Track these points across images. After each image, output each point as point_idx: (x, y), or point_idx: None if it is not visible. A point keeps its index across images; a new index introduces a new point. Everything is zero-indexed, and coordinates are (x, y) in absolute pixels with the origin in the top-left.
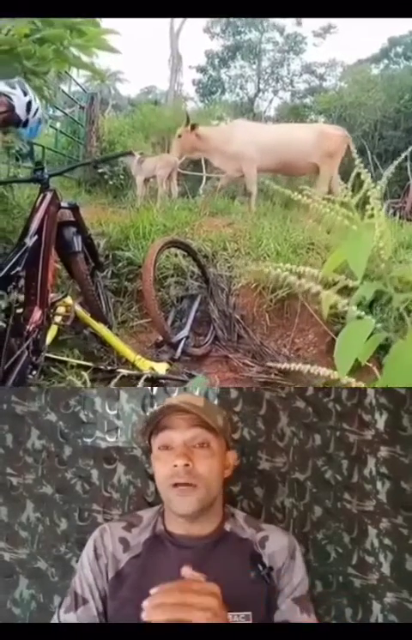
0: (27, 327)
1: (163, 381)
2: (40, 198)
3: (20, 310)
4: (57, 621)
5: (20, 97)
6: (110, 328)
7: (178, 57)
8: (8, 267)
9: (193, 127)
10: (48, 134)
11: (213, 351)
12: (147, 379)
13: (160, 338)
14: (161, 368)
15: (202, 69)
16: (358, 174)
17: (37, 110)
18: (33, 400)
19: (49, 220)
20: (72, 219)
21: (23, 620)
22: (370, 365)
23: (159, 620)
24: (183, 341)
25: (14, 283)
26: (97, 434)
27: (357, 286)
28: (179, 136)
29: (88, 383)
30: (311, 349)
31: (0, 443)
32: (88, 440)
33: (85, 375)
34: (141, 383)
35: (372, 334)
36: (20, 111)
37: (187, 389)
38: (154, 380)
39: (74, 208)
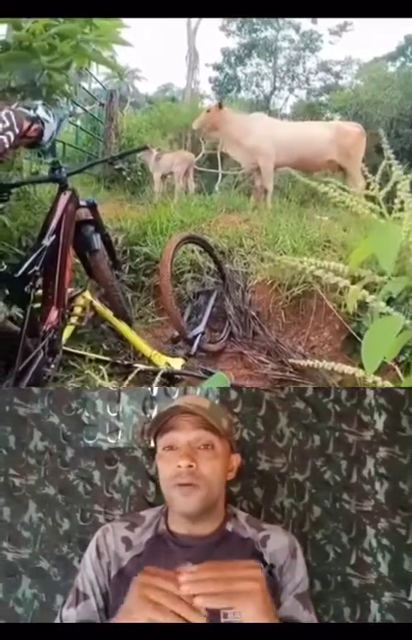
0: (44, 327)
1: (179, 377)
2: (59, 198)
3: (37, 307)
4: (59, 618)
5: (51, 125)
6: (131, 325)
7: (195, 55)
8: (25, 266)
9: (220, 106)
10: (68, 131)
11: (228, 347)
12: (163, 375)
13: (177, 333)
14: (177, 364)
15: (218, 67)
16: (385, 168)
17: (53, 137)
18: (35, 402)
19: (67, 220)
20: (90, 217)
21: (26, 619)
22: (391, 363)
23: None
24: (199, 337)
25: (31, 283)
26: (99, 436)
27: (383, 281)
28: (207, 111)
29: (106, 378)
30: (326, 347)
31: (3, 444)
32: (90, 442)
33: (103, 369)
34: (157, 379)
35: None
36: (45, 138)
37: (206, 385)
38: (170, 376)
39: (92, 207)
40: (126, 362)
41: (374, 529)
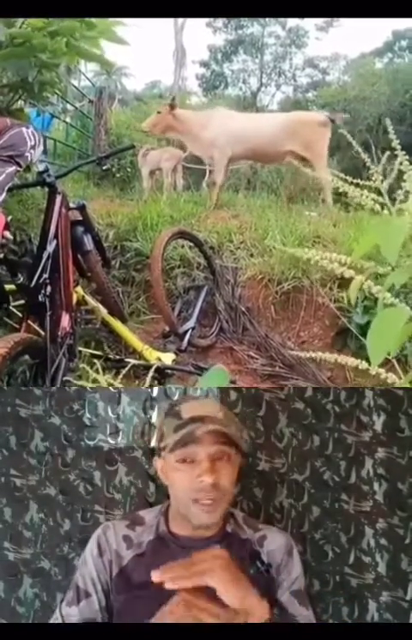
0: (58, 333)
1: (170, 371)
2: (52, 202)
3: (49, 314)
4: (58, 615)
5: (39, 148)
6: (125, 322)
7: (182, 52)
8: (36, 276)
9: (172, 107)
10: (58, 128)
11: (218, 342)
12: (156, 370)
13: (168, 328)
14: (168, 358)
15: (204, 64)
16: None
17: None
18: (36, 403)
19: (64, 223)
20: (80, 218)
21: (27, 619)
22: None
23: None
24: (189, 332)
25: (43, 291)
26: (99, 436)
27: (386, 272)
28: (158, 112)
29: (100, 372)
30: (316, 342)
31: (4, 445)
32: (91, 442)
33: (98, 363)
34: (151, 374)
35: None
36: (34, 159)
37: (205, 379)
38: (161, 370)
39: (81, 208)
40: (118, 357)
41: (372, 529)
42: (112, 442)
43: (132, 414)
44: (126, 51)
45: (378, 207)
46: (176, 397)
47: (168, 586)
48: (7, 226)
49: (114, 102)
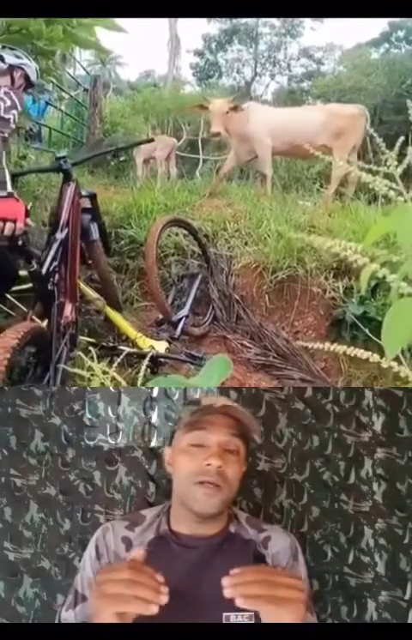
0: (61, 322)
1: (163, 360)
2: (66, 189)
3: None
4: (58, 620)
5: (29, 65)
6: (119, 311)
7: (177, 41)
8: (47, 263)
9: (236, 108)
10: (53, 116)
11: (211, 331)
12: (150, 358)
13: (161, 316)
14: (161, 347)
15: (199, 53)
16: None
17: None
18: (37, 403)
19: (75, 211)
20: (89, 206)
21: (27, 619)
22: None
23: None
24: (183, 320)
25: (51, 279)
26: (99, 436)
27: (400, 261)
28: (226, 112)
29: (96, 360)
30: (310, 332)
31: (4, 445)
32: (91, 442)
33: (93, 351)
34: (146, 362)
35: None
36: (33, 77)
37: (206, 369)
38: (154, 359)
39: (92, 197)
40: (111, 344)
41: (372, 529)
42: (112, 442)
43: (132, 414)
44: (121, 40)
45: (392, 193)
46: (176, 397)
47: (238, 603)
48: (27, 214)
49: (108, 91)
